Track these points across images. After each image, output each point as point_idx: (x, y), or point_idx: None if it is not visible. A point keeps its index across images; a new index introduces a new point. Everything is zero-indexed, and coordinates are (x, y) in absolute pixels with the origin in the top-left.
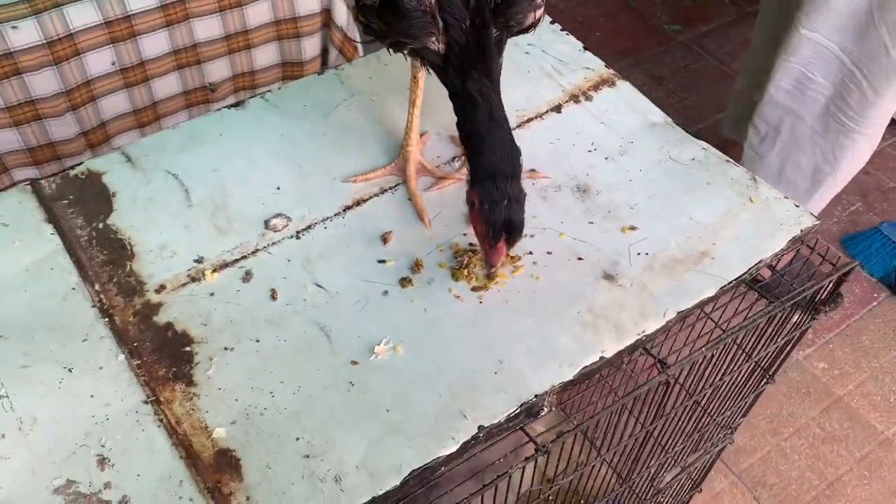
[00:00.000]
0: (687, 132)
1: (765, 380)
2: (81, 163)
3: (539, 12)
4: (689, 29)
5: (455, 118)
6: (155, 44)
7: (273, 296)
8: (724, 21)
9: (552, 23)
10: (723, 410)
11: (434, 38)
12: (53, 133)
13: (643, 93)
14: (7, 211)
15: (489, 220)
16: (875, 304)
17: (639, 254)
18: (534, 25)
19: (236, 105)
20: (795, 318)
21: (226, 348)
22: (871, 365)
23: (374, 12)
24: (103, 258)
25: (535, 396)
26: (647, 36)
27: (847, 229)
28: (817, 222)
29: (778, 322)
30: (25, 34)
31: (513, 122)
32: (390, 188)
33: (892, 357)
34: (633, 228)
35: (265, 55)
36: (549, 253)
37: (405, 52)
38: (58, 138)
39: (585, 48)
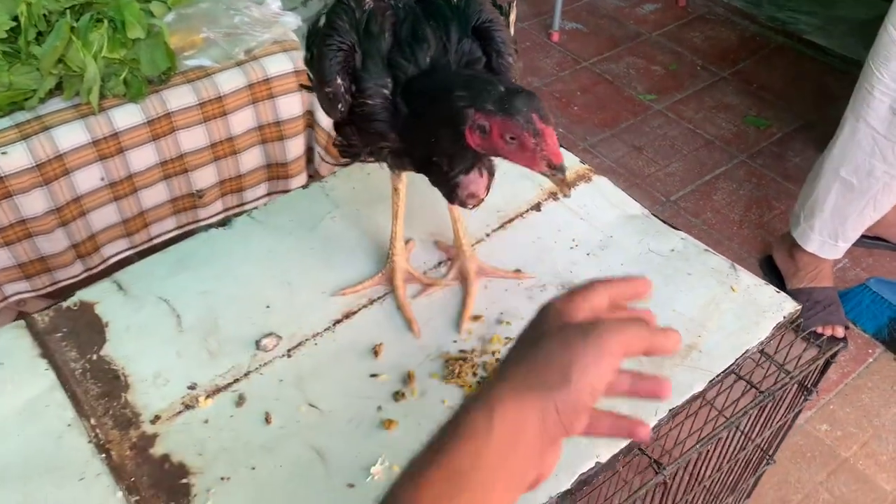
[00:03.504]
0: (670, 200)
1: (765, 461)
2: (73, 294)
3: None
4: (664, 97)
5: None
6: (142, 157)
7: (267, 419)
8: (697, 87)
9: None
10: (725, 497)
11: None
12: (44, 248)
13: (624, 163)
14: (1, 349)
15: (514, 113)
16: (871, 360)
17: None
18: None
19: (223, 224)
20: (788, 399)
21: (222, 478)
22: (872, 424)
23: (352, 128)
24: (98, 391)
25: None
26: (623, 107)
27: (836, 286)
28: (799, 307)
29: (772, 407)
30: (15, 159)
31: (494, 224)
32: (378, 298)
33: (894, 414)
34: None
35: (251, 159)
36: None
37: (383, 157)
38: (48, 253)
39: (560, 145)
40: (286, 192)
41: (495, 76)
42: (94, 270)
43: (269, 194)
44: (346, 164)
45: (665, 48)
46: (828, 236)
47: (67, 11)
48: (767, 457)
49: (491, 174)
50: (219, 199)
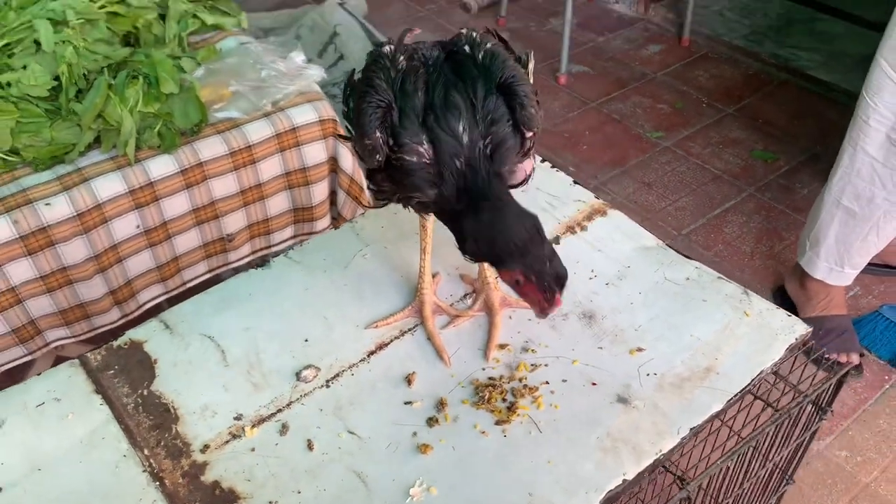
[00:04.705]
0: (682, 234)
1: (784, 481)
2: (123, 333)
3: (529, 167)
4: (671, 134)
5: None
6: (176, 205)
7: (309, 446)
8: (704, 123)
9: (542, 161)
10: None
11: (434, 190)
12: (83, 295)
13: (635, 199)
14: (58, 386)
15: (542, 285)
16: (887, 386)
17: (648, 374)
18: (525, 181)
19: (262, 265)
20: (803, 419)
21: (270, 502)
22: (892, 448)
23: (384, 175)
24: (150, 423)
25: None
26: (632, 145)
27: (849, 314)
28: (810, 329)
29: (788, 426)
30: (58, 209)
31: None
32: (409, 330)
33: None
34: (640, 350)
35: (278, 204)
36: (564, 381)
37: (412, 205)
38: (87, 299)
39: (575, 182)
40: (311, 234)
41: (548, 247)
42: (131, 317)
43: (295, 236)
44: (380, 206)
45: (671, 87)
46: (834, 263)
47: (105, 70)
48: (787, 477)
49: None
50: (247, 242)
